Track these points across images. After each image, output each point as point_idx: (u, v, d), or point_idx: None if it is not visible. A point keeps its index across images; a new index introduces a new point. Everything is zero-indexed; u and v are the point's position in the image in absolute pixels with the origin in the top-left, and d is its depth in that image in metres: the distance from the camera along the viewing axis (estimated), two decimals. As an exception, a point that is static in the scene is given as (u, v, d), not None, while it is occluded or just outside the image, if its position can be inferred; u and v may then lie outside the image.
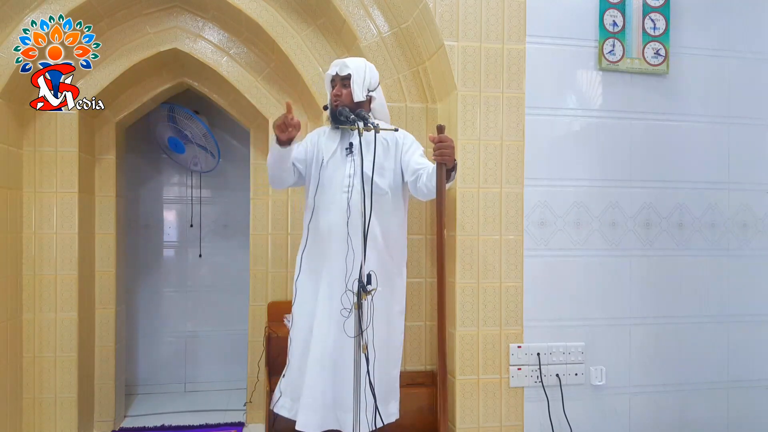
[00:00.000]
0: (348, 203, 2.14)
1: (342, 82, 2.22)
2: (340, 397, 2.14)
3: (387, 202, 2.23)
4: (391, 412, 2.28)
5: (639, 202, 2.53)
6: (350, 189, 2.15)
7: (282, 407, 2.25)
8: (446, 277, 2.41)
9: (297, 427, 2.14)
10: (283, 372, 2.29)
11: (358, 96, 2.20)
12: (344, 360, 2.10)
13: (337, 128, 2.18)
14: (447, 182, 2.08)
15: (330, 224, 2.17)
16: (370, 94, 2.25)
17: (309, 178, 2.28)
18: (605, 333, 2.49)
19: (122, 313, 3.44)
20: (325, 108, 2.30)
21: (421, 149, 2.27)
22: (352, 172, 2.17)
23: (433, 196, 2.14)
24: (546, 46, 2.44)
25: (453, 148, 2.03)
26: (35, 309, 2.80)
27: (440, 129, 2.03)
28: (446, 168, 2.04)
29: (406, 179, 2.24)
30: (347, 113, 2.13)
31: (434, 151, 2.02)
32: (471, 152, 2.38)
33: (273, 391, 2.46)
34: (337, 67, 2.24)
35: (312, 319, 2.20)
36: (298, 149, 2.27)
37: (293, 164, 2.25)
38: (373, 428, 2.13)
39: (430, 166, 2.14)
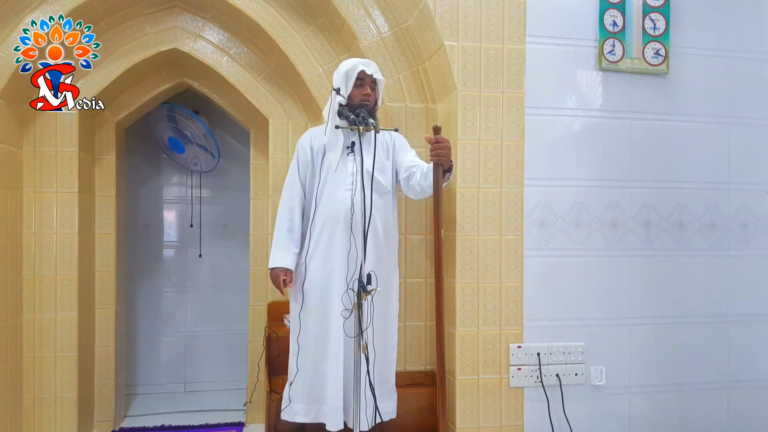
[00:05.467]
0: (351, 201, 2.14)
1: (371, 84, 2.25)
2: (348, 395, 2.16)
3: (388, 200, 2.28)
4: (387, 411, 2.28)
5: (639, 202, 2.53)
6: (354, 187, 2.16)
7: (297, 413, 2.22)
8: (446, 277, 2.42)
9: (328, 428, 2.15)
10: (290, 379, 2.26)
11: (379, 102, 2.30)
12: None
13: (337, 127, 2.18)
14: (443, 182, 2.12)
15: (334, 222, 2.18)
16: None
17: (313, 181, 2.27)
18: (605, 333, 2.49)
19: (122, 313, 3.44)
20: (341, 103, 2.20)
21: (414, 150, 2.35)
22: (354, 170, 2.19)
23: (425, 195, 2.23)
24: (546, 46, 2.44)
25: (449, 148, 2.07)
26: (35, 309, 2.80)
27: (436, 130, 2.07)
28: (442, 168, 2.08)
29: (399, 177, 2.30)
30: (347, 113, 2.15)
31: (431, 151, 2.06)
32: (471, 152, 2.38)
33: (272, 391, 2.46)
34: (371, 68, 2.25)
35: (324, 325, 2.18)
36: (301, 175, 2.29)
37: (301, 188, 2.30)
38: (373, 426, 2.14)
39: (425, 166, 2.19)
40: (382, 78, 2.28)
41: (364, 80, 2.22)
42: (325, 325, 2.18)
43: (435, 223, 2.13)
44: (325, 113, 2.31)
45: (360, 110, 2.17)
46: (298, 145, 2.33)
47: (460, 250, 2.37)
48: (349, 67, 2.21)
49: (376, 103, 2.27)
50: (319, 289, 2.20)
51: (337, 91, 2.20)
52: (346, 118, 2.16)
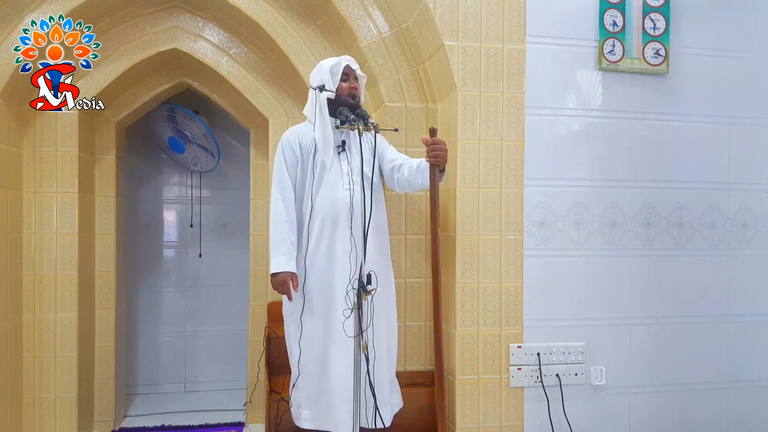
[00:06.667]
0: (351, 201, 2.14)
1: (354, 79, 2.26)
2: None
3: (380, 198, 2.30)
4: (395, 402, 2.30)
5: (639, 202, 2.53)
6: (351, 186, 2.15)
7: (305, 420, 2.21)
8: (446, 277, 2.42)
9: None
10: (293, 382, 2.24)
11: (362, 99, 2.29)
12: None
13: (338, 127, 2.17)
14: (438, 182, 2.14)
15: (334, 222, 2.17)
16: None
17: (303, 180, 2.24)
18: (605, 333, 2.49)
19: (122, 313, 3.44)
20: (329, 98, 2.18)
21: (392, 147, 2.37)
22: (349, 170, 2.18)
23: (412, 190, 2.30)
24: (546, 46, 2.44)
25: (446, 150, 2.09)
26: (35, 309, 2.80)
27: (432, 132, 2.10)
28: (438, 169, 2.11)
29: (382, 172, 2.32)
30: (347, 113, 2.15)
31: (428, 152, 2.08)
32: (471, 152, 2.38)
33: (272, 391, 2.46)
34: (354, 63, 2.27)
35: (328, 327, 2.16)
36: (291, 174, 2.24)
37: (293, 187, 2.25)
38: (373, 427, 2.14)
39: (412, 162, 2.22)
40: (363, 74, 2.30)
41: (348, 75, 2.24)
42: (330, 327, 2.15)
43: (432, 223, 2.14)
44: (308, 112, 2.26)
45: (360, 110, 2.17)
46: (284, 144, 2.25)
47: (460, 250, 2.37)
48: (333, 62, 2.22)
49: (359, 100, 2.27)
50: (323, 290, 2.17)
51: (321, 88, 2.16)
52: (345, 117, 2.13)
